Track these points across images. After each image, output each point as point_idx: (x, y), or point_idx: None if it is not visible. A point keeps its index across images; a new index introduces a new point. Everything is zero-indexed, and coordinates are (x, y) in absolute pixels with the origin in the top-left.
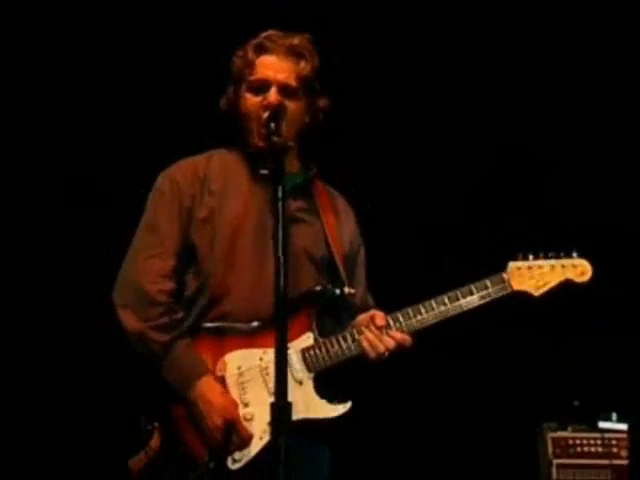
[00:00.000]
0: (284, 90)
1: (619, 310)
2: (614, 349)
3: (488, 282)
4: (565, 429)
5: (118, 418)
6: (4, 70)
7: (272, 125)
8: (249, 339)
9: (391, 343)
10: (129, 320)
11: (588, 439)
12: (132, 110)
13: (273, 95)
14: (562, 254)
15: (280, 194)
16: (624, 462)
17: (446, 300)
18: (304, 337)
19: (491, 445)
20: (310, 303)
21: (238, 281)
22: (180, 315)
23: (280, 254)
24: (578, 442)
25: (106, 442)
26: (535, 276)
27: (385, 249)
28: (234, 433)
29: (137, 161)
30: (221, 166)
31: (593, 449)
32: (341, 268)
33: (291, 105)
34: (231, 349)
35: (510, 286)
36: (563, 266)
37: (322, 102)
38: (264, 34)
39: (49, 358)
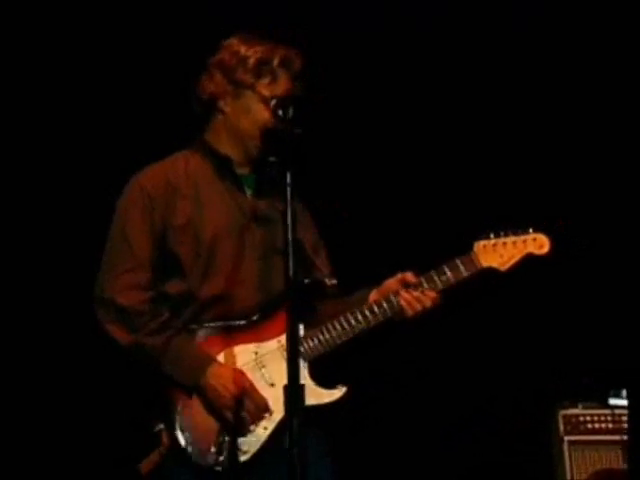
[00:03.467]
0: None
1: (625, 288)
2: (623, 325)
3: (458, 261)
4: (576, 406)
5: (127, 422)
6: None
7: (280, 113)
8: (242, 336)
9: (428, 302)
10: (120, 334)
11: (599, 416)
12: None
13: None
14: (520, 230)
15: (289, 180)
16: None
17: (422, 280)
18: None
19: (503, 423)
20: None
21: (233, 282)
22: (166, 316)
23: (289, 239)
24: (589, 419)
25: (114, 446)
26: (499, 252)
27: (349, 235)
28: (251, 401)
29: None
30: (187, 169)
31: (604, 425)
32: (317, 261)
33: None
34: (225, 347)
35: (479, 263)
36: (524, 241)
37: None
38: (286, 50)
39: (53, 362)
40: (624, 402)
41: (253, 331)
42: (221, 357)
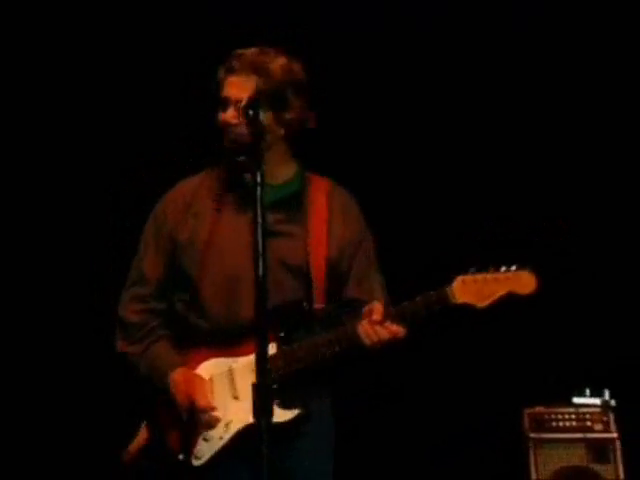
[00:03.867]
0: None
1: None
2: (588, 324)
3: (433, 295)
4: (541, 405)
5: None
6: None
7: (250, 113)
8: (223, 350)
9: (384, 334)
10: (116, 343)
11: (563, 414)
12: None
13: (228, 114)
14: (512, 267)
15: (259, 179)
16: (597, 435)
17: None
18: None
19: (471, 422)
20: (276, 316)
21: (214, 298)
22: (153, 324)
23: (259, 248)
24: (553, 417)
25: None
26: (480, 288)
27: None
28: (201, 411)
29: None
30: (209, 186)
31: (568, 423)
32: (315, 280)
33: None
34: (207, 358)
35: (454, 298)
36: (508, 278)
37: (291, 114)
38: (233, 53)
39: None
40: (587, 401)
41: (236, 346)
42: (201, 367)
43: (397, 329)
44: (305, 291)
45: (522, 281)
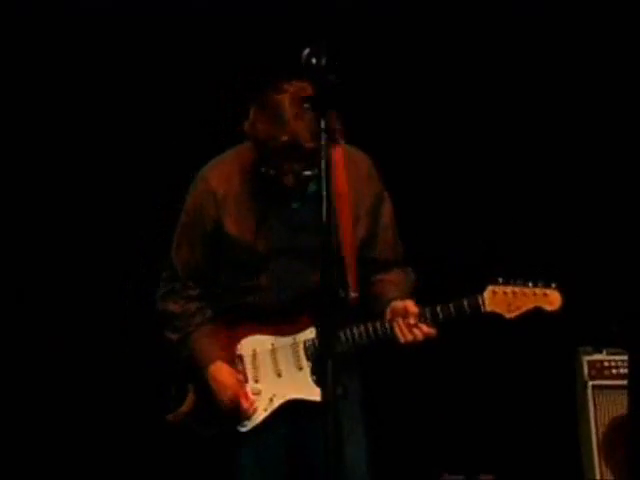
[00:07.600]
0: None
1: None
2: None
3: (465, 301)
4: (600, 352)
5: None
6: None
7: (313, 60)
8: (266, 327)
9: (418, 335)
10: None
11: (623, 361)
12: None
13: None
14: (540, 283)
15: (324, 125)
16: None
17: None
18: (307, 331)
19: (528, 369)
20: (315, 302)
21: (263, 280)
22: (192, 310)
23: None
24: (613, 364)
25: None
26: (509, 300)
27: None
28: (239, 407)
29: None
30: (241, 171)
31: (626, 371)
32: (349, 269)
33: None
34: (250, 334)
35: (484, 306)
36: (535, 294)
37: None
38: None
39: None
40: None
41: (276, 325)
42: (244, 341)
43: (429, 331)
44: (340, 279)
45: (548, 298)
